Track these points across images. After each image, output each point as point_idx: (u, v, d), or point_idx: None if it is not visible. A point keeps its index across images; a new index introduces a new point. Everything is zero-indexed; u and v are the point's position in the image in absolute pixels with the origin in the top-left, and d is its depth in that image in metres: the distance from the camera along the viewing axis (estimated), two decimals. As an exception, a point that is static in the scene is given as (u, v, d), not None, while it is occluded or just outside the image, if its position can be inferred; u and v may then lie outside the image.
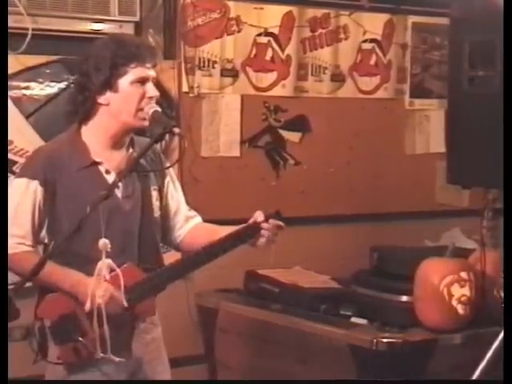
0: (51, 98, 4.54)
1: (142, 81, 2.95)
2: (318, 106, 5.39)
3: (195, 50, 4.93)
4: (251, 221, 3.10)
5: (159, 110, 3.00)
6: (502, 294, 3.50)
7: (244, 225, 3.10)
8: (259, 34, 5.16)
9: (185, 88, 4.92)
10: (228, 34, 5.05)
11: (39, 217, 2.97)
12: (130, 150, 3.07)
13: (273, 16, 5.20)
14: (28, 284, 2.56)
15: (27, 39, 4.27)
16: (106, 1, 4.54)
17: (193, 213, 3.29)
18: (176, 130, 2.94)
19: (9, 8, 3.70)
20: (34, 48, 4.33)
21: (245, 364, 4.19)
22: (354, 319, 3.75)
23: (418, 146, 5.78)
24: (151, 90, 2.97)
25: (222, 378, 4.27)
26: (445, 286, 3.52)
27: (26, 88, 4.47)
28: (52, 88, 4.55)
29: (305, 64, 5.33)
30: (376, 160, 5.57)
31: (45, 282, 2.90)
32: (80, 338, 2.91)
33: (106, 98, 2.96)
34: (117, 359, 2.93)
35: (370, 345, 3.49)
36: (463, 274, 3.56)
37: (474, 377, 2.47)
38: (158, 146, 3.20)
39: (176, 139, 3.17)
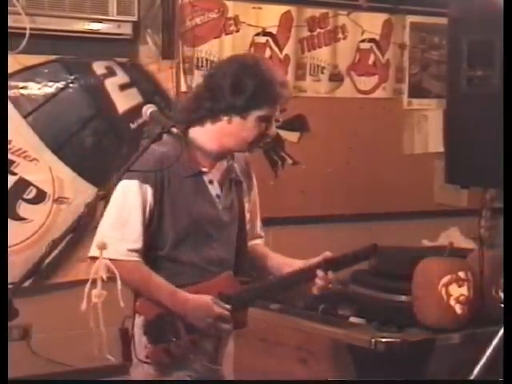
0: (49, 98, 4.55)
1: (267, 120, 2.96)
2: (317, 106, 5.40)
3: (193, 50, 4.93)
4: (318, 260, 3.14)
5: (157, 109, 2.99)
6: (501, 294, 3.50)
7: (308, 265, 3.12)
8: (257, 34, 5.17)
9: (183, 88, 4.92)
10: (226, 34, 5.06)
11: (149, 219, 2.94)
12: (230, 161, 3.09)
13: (271, 16, 5.21)
14: (27, 283, 2.56)
15: (25, 39, 4.27)
16: (104, 0, 4.54)
17: (262, 233, 3.30)
18: (174, 130, 2.93)
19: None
20: (32, 48, 4.34)
21: (243, 364, 4.19)
22: (352, 319, 3.75)
23: (417, 146, 5.79)
24: (272, 129, 2.99)
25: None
26: (443, 285, 3.52)
27: (25, 88, 4.47)
28: (50, 88, 4.55)
29: (303, 64, 5.34)
30: (374, 160, 5.57)
31: (151, 297, 2.93)
32: (173, 339, 2.91)
33: (228, 117, 2.95)
34: (215, 367, 3.02)
35: (369, 344, 3.49)
36: (461, 274, 3.55)
37: (473, 376, 2.47)
38: (247, 155, 3.21)
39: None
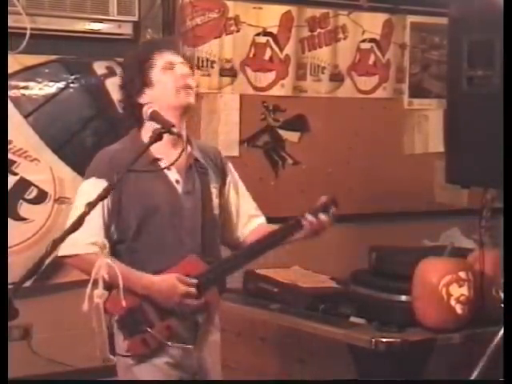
0: (50, 98, 4.54)
1: (171, 66, 3.09)
2: (317, 106, 5.39)
3: (194, 50, 4.93)
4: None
5: (157, 109, 3.02)
6: (501, 294, 3.50)
7: (294, 218, 3.15)
8: (258, 34, 5.16)
9: (183, 88, 4.92)
10: (227, 34, 5.05)
11: (108, 214, 3.04)
12: (189, 149, 3.15)
13: (271, 16, 5.20)
14: (27, 284, 2.56)
15: (26, 39, 4.27)
16: (104, 0, 4.54)
17: (258, 212, 3.35)
18: (174, 129, 2.95)
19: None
20: (32, 48, 4.33)
21: (243, 363, 4.19)
22: (352, 319, 3.75)
23: (417, 146, 5.78)
24: (180, 69, 3.10)
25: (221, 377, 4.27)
26: (443, 285, 3.52)
27: (25, 88, 4.47)
28: (51, 88, 4.54)
29: (303, 64, 5.34)
30: (375, 160, 5.57)
31: (116, 284, 2.95)
32: (148, 329, 2.99)
33: (146, 96, 3.09)
34: (187, 346, 3.05)
35: (369, 344, 3.49)
36: (462, 274, 3.56)
37: (473, 376, 2.47)
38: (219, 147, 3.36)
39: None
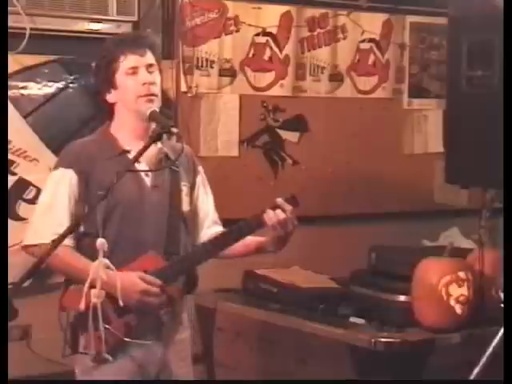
0: (49, 98, 4.55)
1: (134, 71, 3.07)
2: (317, 106, 5.40)
3: (193, 50, 4.93)
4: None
5: (157, 109, 3.02)
6: (501, 294, 3.50)
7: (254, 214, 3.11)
8: (257, 34, 5.16)
9: (183, 88, 4.92)
10: (226, 34, 5.05)
11: (75, 205, 3.03)
12: (159, 145, 3.11)
13: (271, 16, 5.21)
14: (26, 283, 2.56)
15: (25, 39, 4.27)
16: (104, 0, 4.54)
17: (218, 220, 3.34)
18: (174, 129, 2.96)
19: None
20: (32, 48, 4.33)
21: (243, 364, 4.19)
22: (352, 319, 3.75)
23: (417, 146, 5.79)
24: (142, 76, 3.07)
25: (220, 377, 4.27)
26: (443, 285, 3.52)
27: (24, 88, 4.47)
28: (50, 88, 4.55)
29: (303, 64, 5.34)
30: (374, 160, 5.57)
31: (81, 280, 2.90)
32: (106, 326, 2.94)
33: (111, 96, 3.11)
34: (144, 342, 3.01)
35: (369, 344, 3.49)
36: (461, 274, 3.56)
37: (473, 376, 2.47)
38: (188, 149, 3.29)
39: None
